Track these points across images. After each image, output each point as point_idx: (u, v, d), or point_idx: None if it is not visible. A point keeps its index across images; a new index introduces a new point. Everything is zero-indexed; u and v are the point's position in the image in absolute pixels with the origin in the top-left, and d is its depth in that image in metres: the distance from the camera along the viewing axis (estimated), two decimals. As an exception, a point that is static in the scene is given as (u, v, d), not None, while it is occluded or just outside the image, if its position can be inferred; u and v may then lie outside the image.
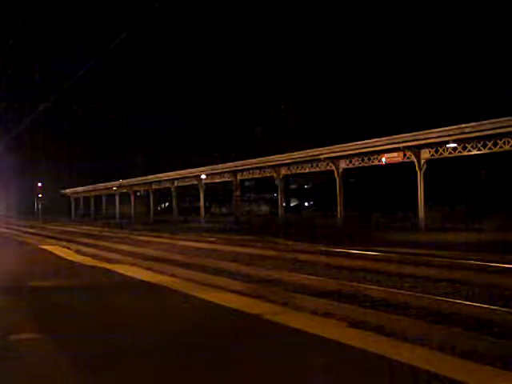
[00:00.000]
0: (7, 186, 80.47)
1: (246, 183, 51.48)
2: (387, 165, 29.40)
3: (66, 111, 67.69)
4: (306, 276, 10.89)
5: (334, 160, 31.28)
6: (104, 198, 68.28)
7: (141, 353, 4.53)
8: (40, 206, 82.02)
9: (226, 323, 5.67)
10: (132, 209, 58.90)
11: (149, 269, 11.82)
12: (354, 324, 6.07)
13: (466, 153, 24.90)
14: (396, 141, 26.60)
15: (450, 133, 24.18)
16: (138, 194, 61.53)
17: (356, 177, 34.74)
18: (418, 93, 37.35)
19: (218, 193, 53.01)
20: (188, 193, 55.68)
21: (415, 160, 26.53)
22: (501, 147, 23.26)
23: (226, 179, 42.92)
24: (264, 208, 50.37)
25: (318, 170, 34.04)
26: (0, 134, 49.86)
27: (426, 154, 26.36)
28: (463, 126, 23.45)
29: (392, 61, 39.25)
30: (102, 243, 22.14)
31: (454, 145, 24.97)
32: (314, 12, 43.29)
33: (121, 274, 10.07)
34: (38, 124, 51.01)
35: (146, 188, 56.79)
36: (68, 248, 18.75)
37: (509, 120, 21.62)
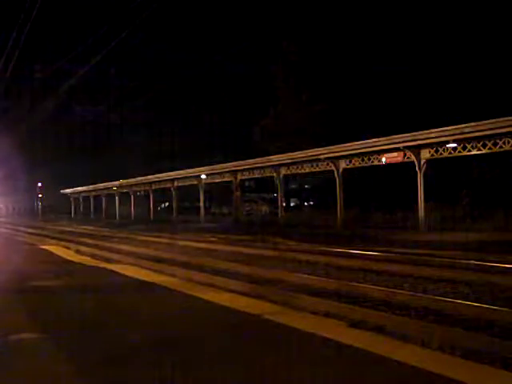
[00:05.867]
0: (7, 186, 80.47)
1: (246, 183, 51.43)
2: (387, 165, 29.39)
3: (67, 111, 67.71)
4: (306, 276, 10.89)
5: (334, 160, 31.27)
6: (104, 198, 68.27)
7: (140, 353, 4.54)
8: (40, 205, 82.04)
9: (226, 323, 5.67)
10: (132, 209, 58.88)
11: (149, 269, 11.81)
12: (354, 324, 6.06)
13: (465, 153, 24.89)
14: (396, 141, 26.59)
15: (450, 133, 24.16)
16: (138, 194, 61.51)
17: (356, 177, 34.72)
18: (418, 93, 37.35)
19: (217, 193, 52.99)
20: (188, 193, 55.63)
21: (415, 160, 26.53)
22: (501, 147, 23.25)
23: (226, 179, 42.90)
24: (264, 208, 50.29)
25: (317, 169, 34.02)
26: (0, 134, 49.84)
27: (426, 154, 26.35)
28: (463, 125, 23.43)
29: (392, 61, 39.30)
30: (101, 243, 22.14)
31: (454, 145, 24.97)
32: (314, 10, 43.28)
33: (121, 274, 10.07)
34: (38, 124, 50.98)
35: (146, 188, 56.77)
36: (68, 248, 18.75)
37: (508, 120, 21.60)
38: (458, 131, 23.73)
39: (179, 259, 15.06)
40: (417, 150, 26.47)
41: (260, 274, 11.56)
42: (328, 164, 31.89)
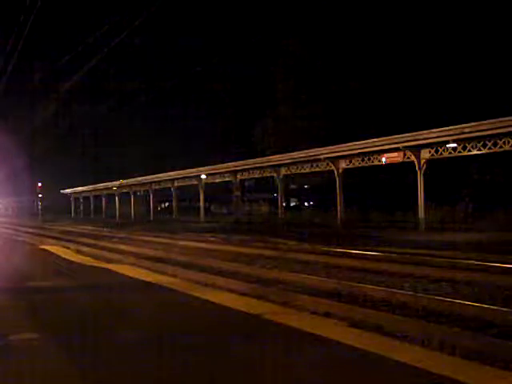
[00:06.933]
0: (7, 186, 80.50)
1: (246, 183, 51.44)
2: (387, 165, 29.40)
3: (67, 111, 67.69)
4: (305, 276, 10.88)
5: (334, 160, 31.28)
6: (104, 198, 68.29)
7: (140, 353, 4.54)
8: (40, 205, 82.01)
9: (226, 323, 5.67)
10: (132, 209, 58.90)
11: (149, 269, 11.81)
12: (354, 324, 6.06)
13: (466, 153, 24.90)
14: (396, 141, 26.61)
15: (450, 133, 24.18)
16: (138, 194, 61.52)
17: (356, 177, 34.75)
18: (419, 93, 37.33)
19: (217, 193, 53.00)
20: (188, 193, 55.64)
21: (415, 160, 26.54)
22: (501, 147, 23.27)
23: (226, 179, 42.91)
24: (264, 208, 50.31)
25: (317, 170, 34.05)
26: (0, 134, 49.85)
27: (426, 154, 26.36)
28: (463, 125, 23.45)
29: (392, 60, 39.23)
30: (101, 243, 22.14)
31: (454, 145, 24.98)
32: (313, 11, 43.26)
33: (121, 274, 10.07)
34: (38, 124, 51.01)
35: (145, 188, 56.81)
36: (68, 248, 18.76)
37: (509, 120, 21.62)
38: (458, 131, 23.74)
39: (179, 259, 15.05)
40: (417, 149, 26.48)
41: (260, 274, 11.56)
42: (328, 164, 31.90)
